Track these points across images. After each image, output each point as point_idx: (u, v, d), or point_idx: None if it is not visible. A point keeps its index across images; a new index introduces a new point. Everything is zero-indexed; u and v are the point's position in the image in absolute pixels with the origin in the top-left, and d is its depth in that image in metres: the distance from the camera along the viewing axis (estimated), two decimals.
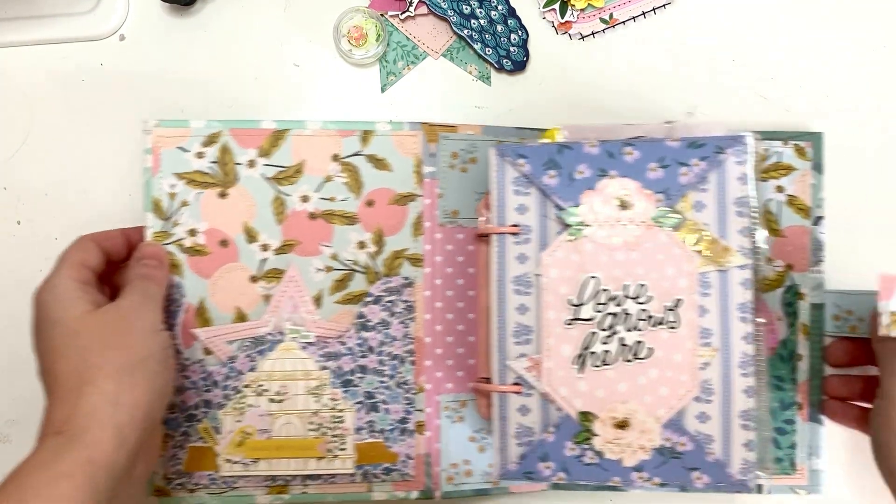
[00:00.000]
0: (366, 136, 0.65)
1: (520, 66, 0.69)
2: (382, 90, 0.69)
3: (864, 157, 0.69)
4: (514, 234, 0.62)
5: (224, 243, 0.64)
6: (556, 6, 0.69)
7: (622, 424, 0.59)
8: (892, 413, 0.56)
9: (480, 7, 0.68)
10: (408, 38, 0.69)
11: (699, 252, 0.59)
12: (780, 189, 0.67)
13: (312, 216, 0.64)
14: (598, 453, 0.59)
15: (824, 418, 0.66)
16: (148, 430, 0.55)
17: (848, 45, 0.70)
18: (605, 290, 0.60)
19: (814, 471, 0.66)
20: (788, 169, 0.67)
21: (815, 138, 0.67)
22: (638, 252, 0.59)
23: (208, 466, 0.63)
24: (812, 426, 0.66)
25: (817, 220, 0.67)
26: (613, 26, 0.69)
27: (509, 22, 0.68)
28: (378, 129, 0.65)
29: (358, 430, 0.63)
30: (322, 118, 0.66)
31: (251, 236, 0.64)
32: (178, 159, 0.64)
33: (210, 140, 0.64)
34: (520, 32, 0.68)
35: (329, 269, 0.64)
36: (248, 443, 0.62)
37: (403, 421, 0.64)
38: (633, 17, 0.70)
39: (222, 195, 0.64)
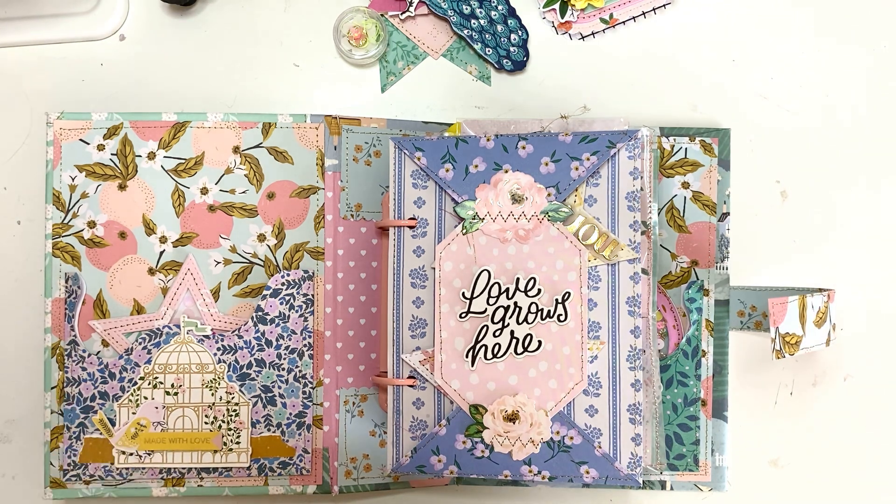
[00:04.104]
0: (267, 128, 0.65)
1: (520, 66, 0.69)
2: (382, 90, 0.69)
3: (865, 156, 0.69)
4: (411, 227, 0.62)
5: (122, 235, 0.64)
6: (556, 6, 0.68)
7: (512, 417, 0.59)
8: None
9: (480, 7, 0.67)
10: (408, 38, 0.68)
11: (592, 246, 0.59)
12: (685, 185, 0.67)
13: (212, 208, 0.64)
14: (489, 446, 0.59)
15: (728, 415, 0.66)
16: None
17: (848, 45, 0.70)
18: (496, 283, 0.60)
19: (717, 467, 0.66)
20: (695, 165, 0.67)
21: (721, 134, 0.67)
22: (529, 246, 0.59)
23: (104, 458, 0.62)
24: (716, 422, 0.66)
25: (723, 217, 0.67)
26: (613, 26, 0.69)
27: (509, 22, 0.68)
28: (279, 121, 0.65)
29: (254, 423, 0.63)
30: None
31: (149, 228, 0.64)
32: (79, 151, 0.64)
33: (111, 132, 0.64)
34: (520, 32, 0.68)
35: (228, 261, 0.64)
36: (142, 435, 0.62)
37: (301, 415, 0.64)
38: (633, 17, 0.69)
39: (122, 187, 0.64)
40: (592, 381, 0.59)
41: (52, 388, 0.63)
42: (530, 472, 0.59)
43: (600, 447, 0.58)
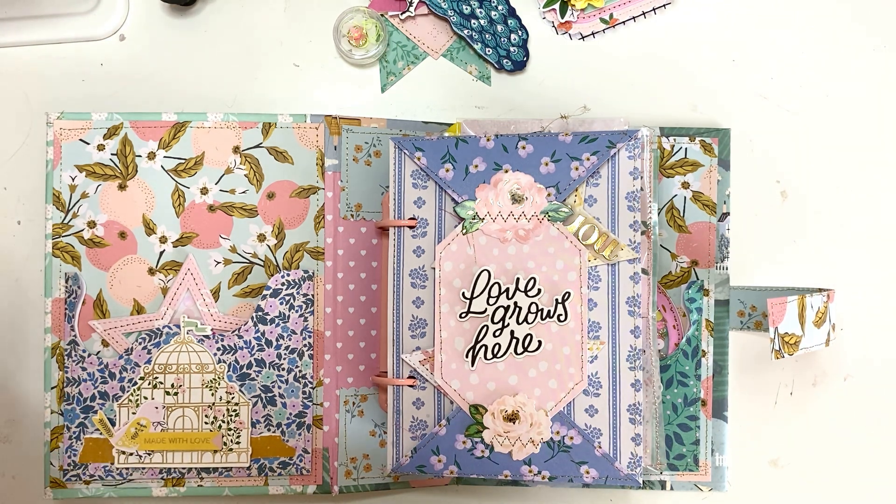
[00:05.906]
0: (267, 128, 0.65)
1: (520, 66, 0.69)
2: (382, 90, 0.69)
3: (865, 156, 0.69)
4: (411, 227, 0.62)
5: (122, 235, 0.64)
6: (556, 6, 0.68)
7: (512, 417, 0.59)
8: None
9: (480, 7, 0.67)
10: (408, 38, 0.68)
11: (592, 246, 0.59)
12: (685, 185, 0.67)
13: (212, 208, 0.64)
14: (489, 446, 0.59)
15: (728, 415, 0.66)
16: None
17: (847, 45, 0.69)
18: (496, 283, 0.60)
19: (717, 467, 0.66)
20: (695, 165, 0.67)
21: (721, 134, 0.67)
22: (529, 246, 0.59)
23: (104, 458, 0.62)
24: (716, 422, 0.66)
25: (723, 217, 0.67)
26: (613, 26, 0.69)
27: (509, 22, 0.68)
28: (279, 121, 0.65)
29: (254, 423, 0.63)
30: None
31: (150, 228, 0.64)
32: (79, 151, 0.64)
33: (111, 132, 0.64)
34: (520, 32, 0.68)
35: (228, 261, 0.64)
36: (142, 435, 0.62)
37: (301, 415, 0.64)
38: (633, 17, 0.69)
39: (122, 187, 0.64)
40: (592, 381, 0.59)
41: (52, 388, 0.63)
42: (530, 472, 0.59)
43: (600, 447, 0.58)
